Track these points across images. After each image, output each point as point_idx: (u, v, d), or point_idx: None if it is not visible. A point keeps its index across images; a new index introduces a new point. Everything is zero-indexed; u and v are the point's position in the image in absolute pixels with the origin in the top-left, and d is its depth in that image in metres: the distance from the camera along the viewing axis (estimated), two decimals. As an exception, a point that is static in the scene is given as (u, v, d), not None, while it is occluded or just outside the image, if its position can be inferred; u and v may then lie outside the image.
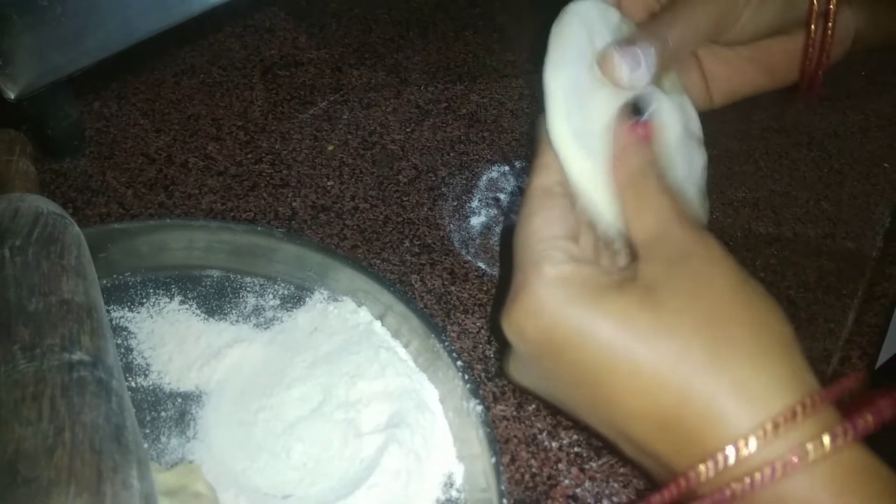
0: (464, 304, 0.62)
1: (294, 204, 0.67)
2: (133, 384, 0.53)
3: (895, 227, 0.70)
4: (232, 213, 0.66)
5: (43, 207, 0.50)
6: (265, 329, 0.57)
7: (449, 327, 0.60)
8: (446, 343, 0.53)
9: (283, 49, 0.81)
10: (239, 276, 0.59)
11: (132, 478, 0.39)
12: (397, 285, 0.60)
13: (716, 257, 0.42)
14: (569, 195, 0.46)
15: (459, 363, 0.52)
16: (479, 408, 0.50)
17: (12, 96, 0.60)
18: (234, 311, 0.58)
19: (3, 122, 0.63)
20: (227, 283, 0.59)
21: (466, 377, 0.51)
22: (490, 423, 0.49)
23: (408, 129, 0.75)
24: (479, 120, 0.76)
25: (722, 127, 0.75)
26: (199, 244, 0.58)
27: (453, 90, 0.79)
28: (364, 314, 0.57)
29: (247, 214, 0.66)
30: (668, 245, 0.42)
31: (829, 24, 0.51)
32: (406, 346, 0.56)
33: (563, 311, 0.41)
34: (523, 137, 0.75)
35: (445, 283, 0.63)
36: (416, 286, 0.63)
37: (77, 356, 0.42)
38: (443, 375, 0.53)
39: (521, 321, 0.42)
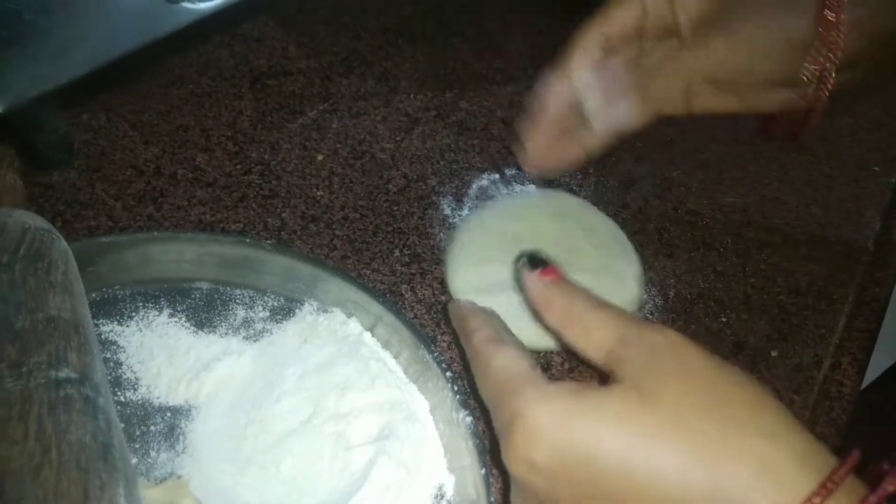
0: (454, 312, 0.62)
1: (283, 214, 0.67)
2: (122, 398, 0.53)
3: (885, 232, 0.70)
4: (221, 225, 0.66)
5: (30, 223, 0.50)
6: (255, 341, 0.57)
7: (439, 337, 0.60)
8: (436, 354, 0.53)
9: (271, 58, 0.81)
10: (228, 289, 0.59)
11: (119, 496, 0.39)
12: (387, 296, 0.60)
13: (680, 342, 0.41)
14: (515, 341, 0.48)
15: (449, 374, 0.52)
16: (469, 419, 0.50)
17: (0, 110, 0.60)
18: (223, 324, 0.58)
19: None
20: (216, 296, 0.59)
21: (456, 388, 0.51)
22: (479, 435, 0.49)
23: (397, 138, 0.74)
24: (468, 128, 0.76)
25: (711, 132, 0.75)
26: (188, 257, 0.58)
27: (443, 98, 0.79)
28: (354, 325, 0.57)
29: (236, 225, 0.66)
30: (631, 347, 0.41)
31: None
32: (396, 356, 0.56)
33: (565, 427, 0.39)
34: (513, 145, 0.75)
35: (436, 292, 0.63)
36: (407, 296, 0.63)
37: (64, 374, 0.42)
38: (433, 386, 0.53)
39: (526, 452, 0.40)
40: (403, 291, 0.63)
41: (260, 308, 0.59)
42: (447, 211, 0.69)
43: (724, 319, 0.63)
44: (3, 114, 0.60)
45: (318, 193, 0.69)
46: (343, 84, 0.79)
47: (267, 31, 0.83)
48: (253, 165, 0.71)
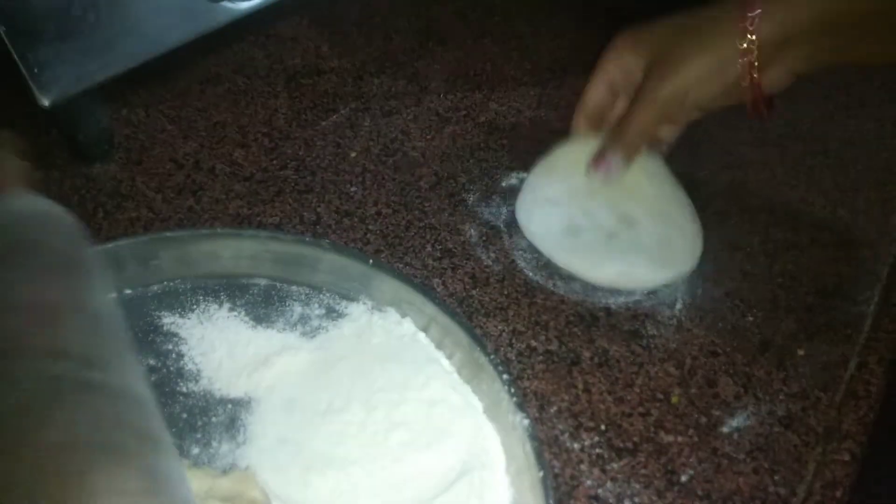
0: (485, 307, 0.63)
1: (318, 209, 0.68)
2: (184, 389, 0.54)
3: (911, 234, 0.72)
4: (258, 218, 0.67)
5: (31, 205, 0.47)
6: (311, 338, 0.58)
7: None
8: (491, 356, 0.53)
9: (305, 58, 0.82)
10: (285, 285, 0.60)
11: (130, 479, 0.37)
12: (438, 294, 0.61)
13: None
14: None
15: (506, 377, 0.52)
16: (527, 421, 0.50)
17: (47, 103, 0.60)
18: (280, 320, 0.59)
19: (33, 127, 0.63)
20: (273, 292, 0.60)
21: (513, 390, 0.51)
22: (537, 437, 0.50)
23: (428, 137, 0.76)
24: (497, 127, 0.77)
25: (738, 135, 0.77)
26: (247, 253, 0.59)
27: (472, 98, 0.80)
28: (408, 325, 0.58)
29: (272, 219, 0.67)
30: None
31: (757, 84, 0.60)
32: (450, 357, 0.57)
33: None
34: (541, 144, 0.76)
35: (467, 286, 0.64)
36: (439, 290, 0.64)
37: (65, 359, 0.39)
38: (487, 388, 0.54)
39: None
40: (435, 285, 0.64)
41: (316, 305, 0.60)
42: (477, 208, 0.70)
43: (750, 318, 0.64)
44: (50, 107, 0.60)
45: (352, 189, 0.70)
46: (375, 83, 0.80)
47: (301, 31, 0.84)
48: (288, 161, 0.72)
